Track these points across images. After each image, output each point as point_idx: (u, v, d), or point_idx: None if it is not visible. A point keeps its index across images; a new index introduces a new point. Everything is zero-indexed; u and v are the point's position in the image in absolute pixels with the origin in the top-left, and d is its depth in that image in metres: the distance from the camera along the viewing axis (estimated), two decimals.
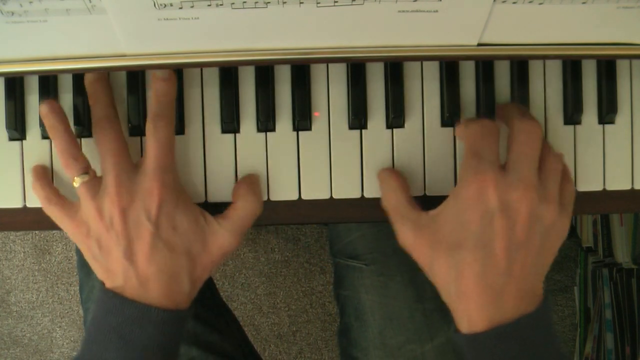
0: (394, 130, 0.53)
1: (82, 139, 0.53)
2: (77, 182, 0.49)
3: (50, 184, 0.52)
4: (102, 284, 0.50)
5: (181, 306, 0.49)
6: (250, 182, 0.52)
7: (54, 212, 0.51)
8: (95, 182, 0.49)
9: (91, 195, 0.48)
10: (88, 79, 0.51)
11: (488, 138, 0.48)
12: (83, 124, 0.52)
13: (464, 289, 0.47)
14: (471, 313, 0.47)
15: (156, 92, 0.50)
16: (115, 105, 0.51)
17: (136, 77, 0.52)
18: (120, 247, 0.47)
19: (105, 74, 0.51)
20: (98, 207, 0.48)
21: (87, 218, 0.49)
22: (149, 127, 0.49)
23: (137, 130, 0.52)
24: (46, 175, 0.52)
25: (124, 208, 0.47)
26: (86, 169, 0.49)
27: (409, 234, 0.49)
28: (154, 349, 0.48)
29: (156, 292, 0.48)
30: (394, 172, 0.52)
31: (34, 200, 0.53)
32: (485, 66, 0.53)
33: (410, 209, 0.50)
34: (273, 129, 0.53)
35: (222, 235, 0.50)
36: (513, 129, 0.48)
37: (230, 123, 0.52)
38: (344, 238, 0.75)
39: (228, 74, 0.52)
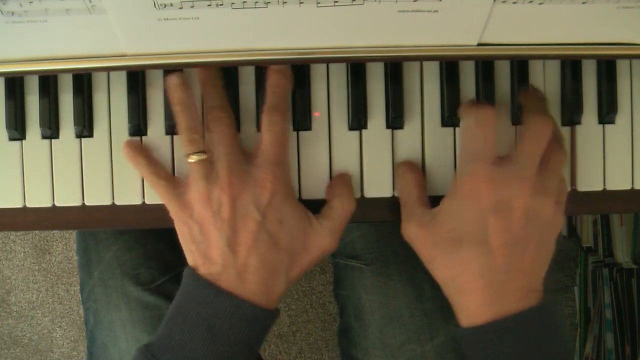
0: (394, 130, 0.53)
1: (82, 139, 0.53)
2: (193, 159, 0.48)
3: (155, 159, 0.51)
4: (194, 271, 0.48)
5: (272, 304, 0.49)
6: (344, 181, 0.52)
7: (161, 189, 0.50)
8: (209, 164, 0.48)
9: (203, 176, 0.48)
10: (200, 69, 0.50)
11: (484, 134, 0.47)
12: (83, 124, 0.52)
13: (463, 286, 0.47)
14: (471, 308, 0.47)
15: (271, 84, 0.49)
16: (225, 95, 0.50)
17: (136, 77, 0.52)
18: (224, 234, 0.47)
19: (215, 68, 0.50)
20: (207, 191, 0.47)
21: (193, 199, 0.48)
22: (264, 119, 0.48)
23: (137, 130, 0.52)
24: (146, 149, 0.51)
25: (234, 197, 0.47)
26: (204, 149, 0.48)
27: (413, 230, 0.49)
28: (241, 345, 0.47)
29: (252, 286, 0.47)
30: (412, 167, 0.52)
31: (35, 200, 0.53)
32: (485, 66, 0.53)
33: (418, 206, 0.50)
34: None
35: (324, 236, 0.50)
36: (525, 123, 0.48)
37: None
38: (343, 238, 0.74)
39: (228, 74, 0.52)
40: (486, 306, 0.46)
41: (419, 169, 0.52)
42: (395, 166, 0.53)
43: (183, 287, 0.49)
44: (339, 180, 0.52)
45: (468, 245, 0.46)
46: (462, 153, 0.48)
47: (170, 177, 0.51)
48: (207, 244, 0.48)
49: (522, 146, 0.47)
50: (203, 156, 0.48)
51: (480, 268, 0.46)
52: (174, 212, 0.49)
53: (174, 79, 0.49)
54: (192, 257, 0.49)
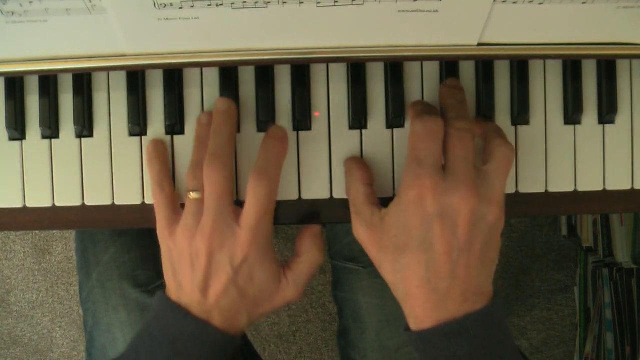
0: (394, 130, 0.53)
1: (82, 139, 0.53)
2: (192, 196, 0.49)
3: (168, 169, 0.52)
4: (164, 294, 0.51)
5: (236, 333, 0.51)
6: (313, 235, 0.53)
7: (159, 205, 0.51)
8: (200, 206, 0.49)
9: (193, 213, 0.49)
10: (218, 106, 0.51)
11: (429, 140, 0.47)
12: (83, 124, 0.52)
13: (410, 291, 0.47)
14: (418, 312, 0.47)
15: (267, 149, 0.50)
16: (234, 144, 0.51)
17: (136, 77, 0.52)
18: (197, 278, 0.49)
19: (235, 108, 0.51)
20: (191, 234, 0.49)
21: (180, 231, 0.49)
22: (251, 182, 0.49)
23: (137, 130, 0.52)
24: (166, 156, 0.52)
25: (212, 251, 0.48)
26: (200, 189, 0.49)
27: (362, 231, 0.50)
28: None
29: (217, 321, 0.49)
30: (359, 163, 0.52)
31: (34, 200, 0.53)
32: (485, 66, 0.53)
33: (367, 205, 0.50)
34: None
35: (289, 291, 0.51)
36: (446, 133, 0.48)
37: None
38: (342, 240, 0.75)
39: (228, 74, 0.52)
40: (432, 311, 0.46)
41: (366, 166, 0.52)
42: (343, 163, 0.53)
43: (153, 308, 0.51)
44: (308, 234, 0.53)
45: (414, 251, 0.46)
46: (408, 160, 0.48)
47: (172, 195, 0.51)
48: (182, 276, 0.50)
49: (451, 154, 0.47)
50: (197, 196, 0.49)
51: (426, 273, 0.46)
52: (160, 231, 0.51)
53: (202, 118, 0.51)
54: (167, 276, 0.51)
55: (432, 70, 0.53)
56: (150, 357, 0.49)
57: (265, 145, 0.50)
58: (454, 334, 0.46)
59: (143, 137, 0.53)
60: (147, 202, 0.53)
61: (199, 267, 0.48)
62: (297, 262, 0.52)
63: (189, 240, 0.49)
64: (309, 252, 0.52)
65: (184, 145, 0.53)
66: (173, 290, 0.50)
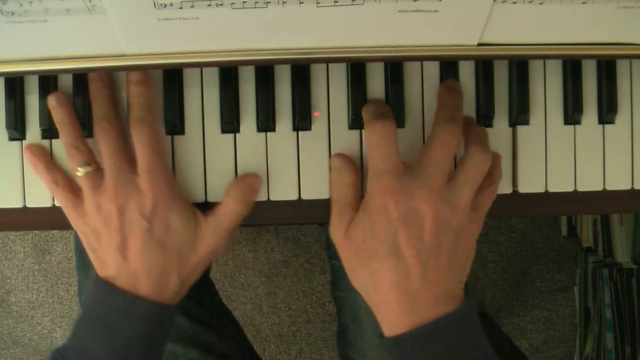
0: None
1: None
2: (80, 172, 0.50)
3: (55, 166, 0.52)
4: (97, 275, 0.51)
5: (169, 302, 0.50)
6: (242, 183, 0.52)
7: (60, 198, 0.51)
8: (98, 175, 0.50)
9: (92, 187, 0.49)
10: (90, 78, 0.51)
11: (382, 146, 0.47)
12: (83, 125, 0.52)
13: (381, 297, 0.47)
14: (390, 318, 0.47)
15: (133, 95, 0.50)
16: (115, 105, 0.51)
17: None
18: (115, 241, 0.49)
19: (105, 74, 0.51)
20: (97, 201, 0.49)
21: (87, 209, 0.50)
22: (132, 131, 0.50)
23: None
24: (46, 154, 0.52)
25: (121, 206, 0.48)
26: (89, 161, 0.50)
27: (338, 234, 0.50)
28: (138, 342, 0.49)
29: (145, 287, 0.49)
30: (350, 165, 0.51)
31: (34, 200, 0.53)
32: (485, 66, 0.53)
33: (349, 210, 0.50)
34: (273, 129, 0.53)
35: (211, 235, 0.51)
36: (433, 132, 0.48)
37: (230, 123, 0.52)
38: None
39: (228, 74, 0.52)
40: (404, 315, 0.47)
41: (357, 168, 0.52)
42: (331, 160, 0.52)
43: (88, 289, 0.51)
44: (238, 180, 0.52)
45: (383, 256, 0.46)
46: (369, 167, 0.48)
47: (68, 185, 0.51)
48: (102, 250, 0.50)
49: (429, 156, 0.47)
50: (88, 168, 0.50)
51: (397, 277, 0.46)
52: (71, 220, 0.51)
53: (52, 100, 0.51)
54: (93, 261, 0.51)
55: (432, 70, 0.53)
56: (87, 339, 0.49)
57: (132, 93, 0.50)
58: (427, 338, 0.46)
59: None
60: None
61: (113, 228, 0.48)
62: (221, 204, 0.51)
63: (98, 212, 0.49)
64: (233, 197, 0.51)
65: (184, 145, 0.53)
66: (99, 269, 0.51)
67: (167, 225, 0.49)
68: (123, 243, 0.49)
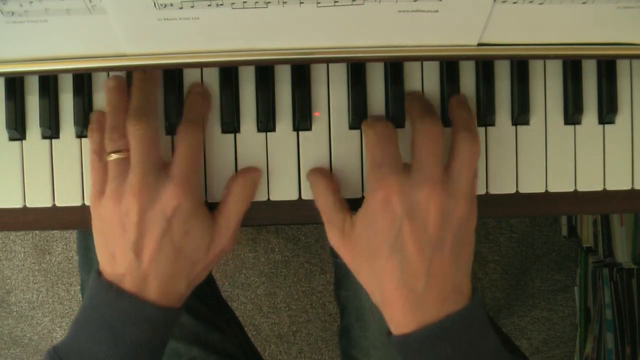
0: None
1: (83, 139, 0.53)
2: (111, 157, 0.49)
3: (104, 139, 0.51)
4: (99, 273, 0.50)
5: (174, 305, 0.50)
6: (248, 181, 0.52)
7: (93, 174, 0.50)
8: (125, 164, 0.49)
9: (117, 175, 0.48)
10: (137, 75, 0.51)
11: (384, 145, 0.48)
12: (83, 124, 0.52)
13: (387, 295, 0.47)
14: (397, 317, 0.47)
15: (188, 103, 0.51)
16: (156, 101, 0.51)
17: None
18: (130, 238, 0.48)
19: (155, 73, 0.51)
20: (119, 192, 0.48)
21: (107, 196, 0.49)
22: (179, 130, 0.49)
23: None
24: (104, 125, 0.51)
25: (142, 207, 0.47)
26: (124, 148, 0.49)
27: (336, 239, 0.50)
28: (144, 347, 0.48)
29: (154, 291, 0.48)
30: (322, 173, 0.52)
31: (34, 200, 0.53)
32: (485, 66, 0.53)
33: (337, 213, 0.50)
34: (273, 129, 0.53)
35: (223, 237, 0.50)
36: (414, 129, 0.49)
37: (230, 123, 0.52)
38: None
39: (228, 74, 0.52)
40: (412, 313, 0.46)
41: (329, 173, 0.52)
42: (306, 174, 0.53)
43: (89, 289, 0.50)
44: (240, 177, 0.52)
45: (387, 254, 0.46)
46: (368, 166, 0.48)
47: (104, 164, 0.50)
48: (114, 242, 0.48)
49: (418, 150, 0.47)
50: (121, 155, 0.49)
51: (402, 275, 0.46)
52: (92, 202, 0.50)
53: (112, 82, 0.51)
54: (100, 252, 0.50)
55: (432, 70, 0.53)
56: (89, 342, 0.48)
57: (187, 100, 0.51)
58: (435, 337, 0.46)
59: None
60: None
61: (130, 226, 0.47)
62: (225, 201, 0.51)
63: (117, 204, 0.48)
64: (238, 192, 0.51)
65: None
66: (106, 262, 0.49)
67: (186, 232, 0.48)
68: (138, 241, 0.47)
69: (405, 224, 0.46)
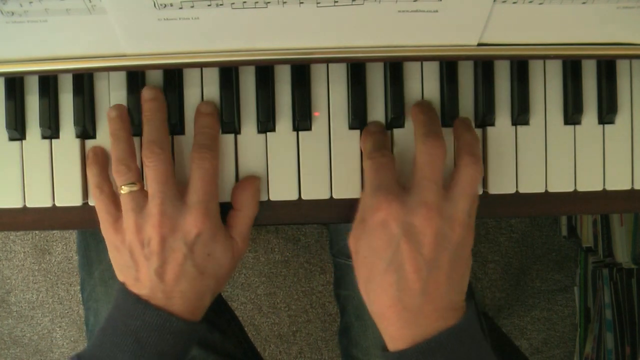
0: (394, 130, 0.53)
1: (82, 139, 0.53)
2: (124, 190, 0.49)
3: (107, 172, 0.52)
4: (125, 287, 0.50)
5: (197, 318, 0.51)
6: (254, 190, 0.52)
7: (100, 206, 0.51)
8: (141, 195, 0.49)
9: (134, 207, 0.49)
10: (145, 95, 0.51)
11: (382, 172, 0.48)
12: (83, 124, 0.52)
13: (383, 312, 0.48)
14: (391, 331, 0.48)
15: (202, 126, 0.51)
16: (166, 128, 0.51)
17: (136, 77, 0.52)
18: (152, 265, 0.49)
19: (162, 94, 0.52)
20: (138, 224, 0.49)
21: (126, 228, 0.49)
22: (194, 156, 0.50)
23: (138, 130, 0.52)
24: (105, 160, 0.52)
25: (164, 236, 0.48)
26: (135, 180, 0.50)
27: (351, 242, 0.50)
28: (168, 357, 0.49)
29: (180, 307, 0.49)
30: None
31: (34, 200, 0.53)
32: (485, 66, 0.53)
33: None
34: (273, 129, 0.53)
35: (239, 248, 0.52)
36: (416, 148, 0.49)
37: (231, 123, 0.52)
38: (344, 237, 0.74)
39: (228, 74, 0.52)
40: (406, 330, 0.47)
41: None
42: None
43: (115, 301, 0.51)
44: (247, 187, 0.52)
45: (383, 272, 0.47)
46: (367, 187, 0.49)
47: (112, 196, 0.51)
48: (136, 269, 0.50)
49: (419, 171, 0.48)
50: (133, 187, 0.49)
51: (397, 293, 0.47)
52: (105, 232, 0.51)
53: (113, 112, 0.51)
54: (122, 276, 0.51)
55: (432, 70, 0.53)
56: (114, 351, 0.49)
57: (201, 124, 0.51)
58: (430, 351, 0.46)
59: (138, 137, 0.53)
60: None
61: (153, 255, 0.48)
62: (238, 216, 0.52)
63: (137, 234, 0.49)
64: (248, 207, 0.52)
65: (184, 145, 0.53)
66: (131, 285, 0.50)
67: (208, 254, 0.49)
68: (161, 267, 0.49)
69: (402, 243, 0.46)
